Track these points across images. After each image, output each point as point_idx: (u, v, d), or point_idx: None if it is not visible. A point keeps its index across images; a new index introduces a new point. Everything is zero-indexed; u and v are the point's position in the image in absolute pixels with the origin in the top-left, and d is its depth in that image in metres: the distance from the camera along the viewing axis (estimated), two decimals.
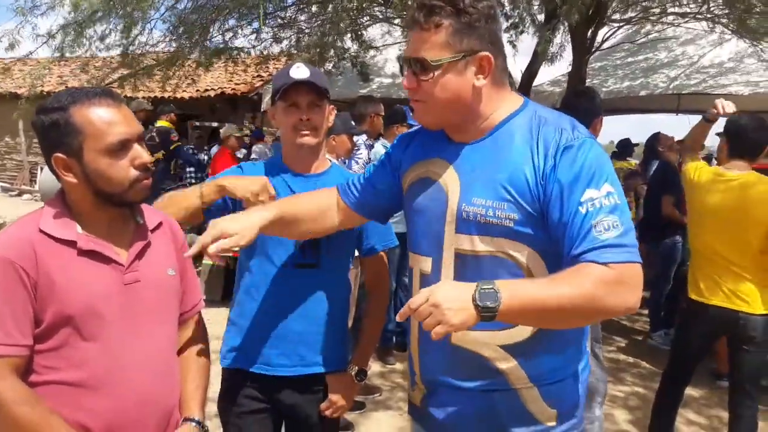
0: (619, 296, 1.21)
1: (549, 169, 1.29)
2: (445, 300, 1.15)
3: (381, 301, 2.09)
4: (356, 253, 2.08)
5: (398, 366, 4.58)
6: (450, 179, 1.42)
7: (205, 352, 1.66)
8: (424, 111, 1.42)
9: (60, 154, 1.33)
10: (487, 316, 1.15)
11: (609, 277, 1.19)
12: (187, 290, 1.61)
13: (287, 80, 1.81)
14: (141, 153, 1.38)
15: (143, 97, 9.62)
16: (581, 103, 2.87)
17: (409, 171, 1.55)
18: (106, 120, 1.32)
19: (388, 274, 2.13)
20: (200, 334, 1.67)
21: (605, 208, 1.24)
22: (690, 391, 3.89)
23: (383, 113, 4.65)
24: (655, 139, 6.13)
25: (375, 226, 1.96)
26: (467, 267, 1.37)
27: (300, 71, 1.82)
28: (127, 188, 1.36)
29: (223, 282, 5.89)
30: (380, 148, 4.56)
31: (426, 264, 1.46)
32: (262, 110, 10.43)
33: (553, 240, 1.29)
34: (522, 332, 1.37)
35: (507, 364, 1.39)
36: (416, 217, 1.51)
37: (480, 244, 1.35)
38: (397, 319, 1.24)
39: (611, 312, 1.25)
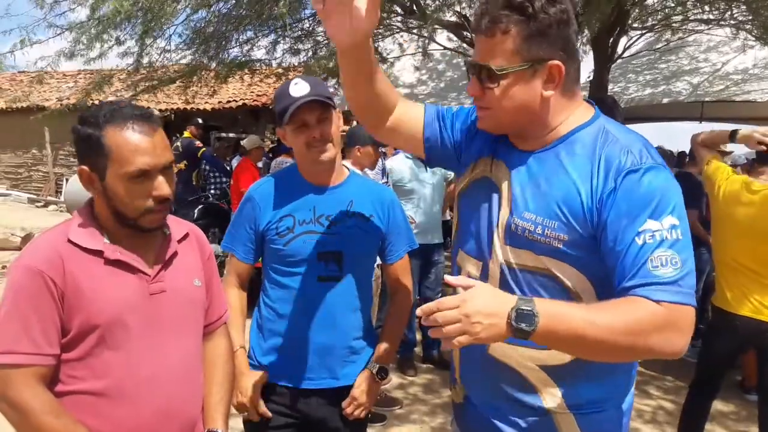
0: (667, 338, 1.12)
1: (608, 192, 1.20)
2: (477, 313, 1.07)
3: (404, 301, 2.06)
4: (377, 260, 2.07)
5: (418, 379, 4.55)
6: (506, 187, 1.34)
7: (229, 364, 1.66)
8: (488, 118, 1.33)
9: (85, 167, 1.36)
10: (519, 336, 1.09)
11: (659, 316, 1.11)
12: (212, 301, 1.61)
13: (289, 101, 1.77)
14: (161, 185, 1.36)
15: (165, 109, 9.78)
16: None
17: (471, 167, 1.47)
18: (133, 147, 1.32)
19: (411, 276, 2.12)
20: (225, 346, 1.67)
21: (666, 243, 1.14)
22: (718, 405, 3.80)
23: None
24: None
25: (398, 234, 1.97)
26: (511, 280, 1.31)
27: (299, 88, 1.77)
28: (139, 216, 1.37)
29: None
30: (401, 155, 4.55)
31: (475, 268, 1.40)
32: None
33: (606, 267, 1.21)
34: (564, 355, 1.29)
35: (544, 386, 1.33)
36: (469, 217, 1.44)
37: (527, 259, 1.29)
38: (418, 312, 1.13)
39: (655, 354, 1.14)
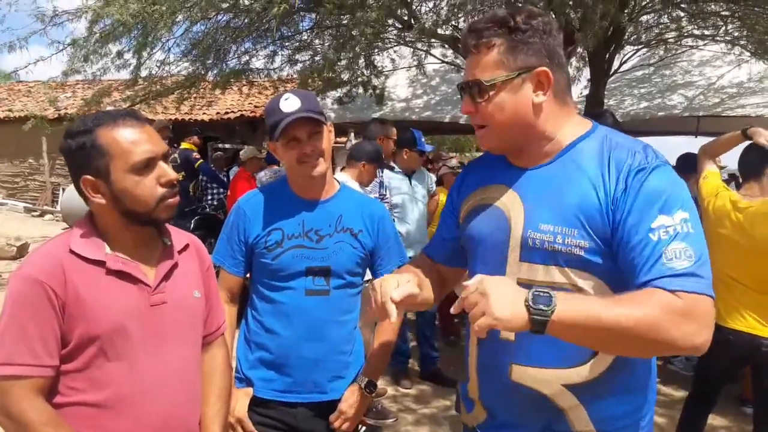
0: (686, 330, 1.10)
1: (620, 192, 1.22)
2: (495, 292, 1.08)
3: None
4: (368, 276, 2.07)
5: (413, 391, 4.53)
6: (513, 205, 1.34)
7: (227, 376, 1.66)
8: (487, 135, 1.35)
9: (88, 176, 1.36)
10: (539, 320, 1.07)
11: (677, 307, 1.09)
12: (211, 312, 1.62)
13: (280, 116, 1.76)
14: (166, 170, 1.40)
15: (158, 119, 9.78)
16: None
17: (467, 200, 1.49)
18: (130, 140, 1.35)
19: None
20: (223, 357, 1.67)
21: (679, 236, 1.15)
22: (714, 418, 3.79)
23: (394, 137, 4.65)
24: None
25: (389, 248, 1.97)
26: None
27: (290, 103, 1.77)
28: (153, 207, 1.39)
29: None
30: (388, 171, 4.57)
31: None
32: None
33: (622, 269, 1.22)
34: (589, 371, 1.28)
35: (570, 405, 1.30)
36: (474, 245, 1.43)
37: (545, 274, 1.27)
38: (453, 311, 1.14)
39: (673, 346, 1.13)
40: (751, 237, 2.84)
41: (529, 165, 1.36)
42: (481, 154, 1.64)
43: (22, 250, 8.83)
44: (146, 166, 1.37)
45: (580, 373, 1.28)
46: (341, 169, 4.03)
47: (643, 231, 1.17)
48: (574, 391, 1.29)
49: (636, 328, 1.09)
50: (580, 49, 5.86)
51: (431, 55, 7.47)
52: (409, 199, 4.52)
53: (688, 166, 5.43)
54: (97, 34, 5.82)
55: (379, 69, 7.25)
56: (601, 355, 1.29)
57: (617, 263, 1.23)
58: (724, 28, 5.99)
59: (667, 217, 1.18)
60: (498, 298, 1.07)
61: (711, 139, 3.34)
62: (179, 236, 1.56)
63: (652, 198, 1.19)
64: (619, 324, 1.08)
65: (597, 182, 1.25)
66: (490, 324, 1.06)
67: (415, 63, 7.70)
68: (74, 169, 1.38)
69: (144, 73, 6.79)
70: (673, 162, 6.29)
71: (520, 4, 5.14)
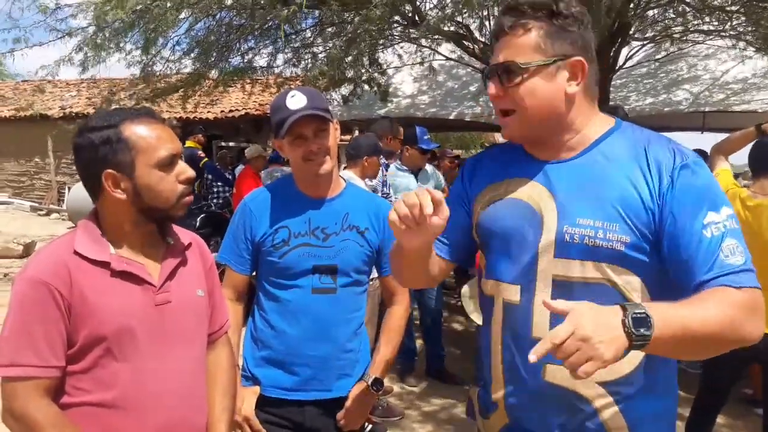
0: (755, 323, 1.12)
1: (666, 187, 1.20)
2: (595, 332, 0.99)
3: (401, 312, 2.05)
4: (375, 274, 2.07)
5: (419, 389, 4.53)
6: (542, 200, 1.29)
7: (232, 374, 1.66)
8: (513, 122, 1.29)
9: (111, 170, 1.35)
10: (639, 344, 1.02)
11: (746, 303, 1.11)
12: (214, 310, 1.62)
13: (286, 114, 1.76)
14: (186, 168, 1.42)
15: (168, 119, 9.81)
16: None
17: (483, 194, 1.41)
18: (156, 136, 1.37)
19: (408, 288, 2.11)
20: (228, 355, 1.67)
21: (728, 233, 1.17)
22: (723, 418, 3.77)
23: (401, 137, 4.63)
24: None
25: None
26: (566, 295, 1.18)
27: (296, 100, 1.76)
28: (174, 203, 1.40)
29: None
30: (393, 169, 4.56)
31: (513, 292, 1.31)
32: None
33: (667, 265, 1.20)
34: (622, 367, 1.23)
35: (604, 405, 1.26)
36: (497, 242, 1.35)
37: (583, 270, 1.23)
38: (532, 359, 1.01)
39: (743, 341, 1.13)
40: (759, 235, 2.82)
41: (553, 158, 1.32)
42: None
43: (28, 249, 8.87)
44: (170, 162, 1.39)
45: (613, 369, 1.22)
46: (344, 167, 4.03)
47: (697, 227, 1.17)
48: (608, 389, 1.26)
49: (718, 329, 1.09)
50: None
51: (436, 51, 7.45)
52: None
53: None
54: (101, 33, 5.83)
55: (383, 66, 7.24)
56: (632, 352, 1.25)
57: (656, 259, 1.22)
58: (729, 23, 5.96)
59: (715, 213, 1.18)
60: (601, 339, 0.99)
61: (718, 135, 3.33)
62: (182, 235, 1.55)
63: (700, 194, 1.20)
64: (704, 329, 1.08)
65: (637, 178, 1.23)
66: (598, 368, 0.99)
67: (419, 60, 7.68)
68: (94, 163, 1.35)
69: (151, 69, 6.81)
70: None
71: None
